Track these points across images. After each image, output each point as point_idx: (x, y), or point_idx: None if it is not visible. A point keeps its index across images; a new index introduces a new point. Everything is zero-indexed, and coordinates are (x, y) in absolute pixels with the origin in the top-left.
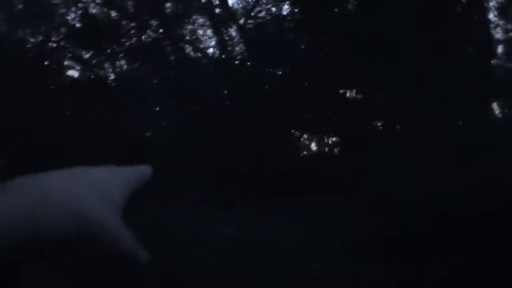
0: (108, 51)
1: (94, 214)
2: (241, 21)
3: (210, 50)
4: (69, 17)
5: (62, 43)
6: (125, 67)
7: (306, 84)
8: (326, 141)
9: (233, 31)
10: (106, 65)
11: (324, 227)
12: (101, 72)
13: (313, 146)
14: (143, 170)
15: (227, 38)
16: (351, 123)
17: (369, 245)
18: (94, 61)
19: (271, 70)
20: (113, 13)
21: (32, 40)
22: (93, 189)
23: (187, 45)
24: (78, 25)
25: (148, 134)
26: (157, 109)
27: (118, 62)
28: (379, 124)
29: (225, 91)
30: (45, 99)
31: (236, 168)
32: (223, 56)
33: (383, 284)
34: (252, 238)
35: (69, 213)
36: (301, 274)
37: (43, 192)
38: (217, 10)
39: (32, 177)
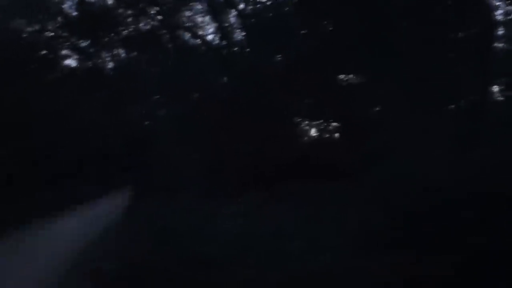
0: (105, 39)
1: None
2: (240, 7)
3: (209, 37)
4: (65, 6)
5: (59, 32)
6: (123, 55)
7: (306, 71)
8: (328, 129)
9: (232, 17)
10: (104, 54)
11: (329, 217)
12: (99, 61)
13: (315, 134)
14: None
15: (226, 25)
16: (353, 110)
17: (375, 234)
18: (91, 50)
19: (271, 57)
20: (110, 1)
21: (28, 29)
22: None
23: (185, 32)
24: (74, 13)
25: (148, 124)
26: (157, 98)
27: (115, 51)
28: (381, 110)
29: (225, 79)
30: (42, 89)
31: (238, 158)
32: (223, 43)
33: (390, 274)
34: (257, 231)
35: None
36: (308, 267)
37: None
38: None
39: None
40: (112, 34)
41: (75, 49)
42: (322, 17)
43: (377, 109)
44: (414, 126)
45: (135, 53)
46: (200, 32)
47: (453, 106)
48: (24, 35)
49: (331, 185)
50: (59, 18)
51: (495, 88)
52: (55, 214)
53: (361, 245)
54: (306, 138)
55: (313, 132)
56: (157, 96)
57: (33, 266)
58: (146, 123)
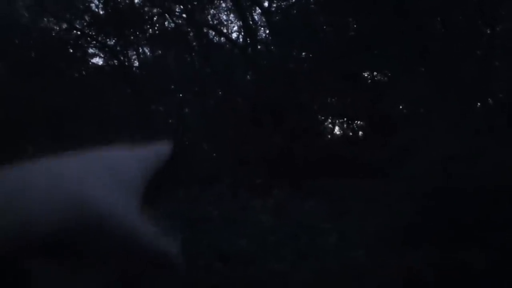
0: (132, 38)
1: (103, 203)
2: (265, 4)
3: (234, 35)
4: (92, 4)
5: (86, 30)
6: (149, 54)
7: (332, 68)
8: (355, 125)
9: (257, 15)
10: (130, 52)
11: (358, 212)
12: (125, 59)
13: (342, 131)
14: (163, 149)
15: (251, 22)
16: (380, 106)
17: (406, 229)
18: (118, 48)
19: (297, 54)
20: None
21: (56, 28)
22: (105, 174)
23: (210, 30)
24: (101, 12)
25: (174, 121)
26: (183, 95)
27: (141, 49)
28: (408, 105)
29: (251, 76)
30: (69, 87)
31: (264, 155)
32: (248, 40)
33: (422, 268)
34: (287, 226)
35: (74, 201)
36: (339, 262)
37: (41, 179)
38: None
39: (32, 162)
40: (138, 33)
41: (102, 47)
42: (348, 14)
43: (405, 105)
44: (443, 122)
45: (160, 52)
46: (225, 30)
47: (483, 101)
48: (52, 34)
49: (359, 181)
50: (86, 17)
51: None
52: None
53: (392, 240)
54: (332, 134)
55: (340, 128)
56: (184, 93)
57: None
58: (172, 119)
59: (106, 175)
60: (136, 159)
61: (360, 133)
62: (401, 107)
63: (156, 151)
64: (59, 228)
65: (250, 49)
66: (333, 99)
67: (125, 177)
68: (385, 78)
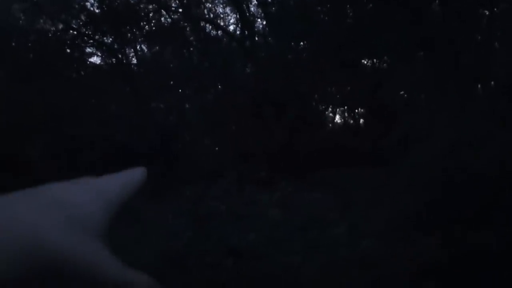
0: (129, 35)
1: (60, 246)
2: None
3: (231, 28)
4: (88, 3)
5: (82, 30)
6: (146, 50)
7: (332, 57)
8: (357, 115)
9: (253, 6)
10: (128, 50)
11: (366, 202)
12: (123, 57)
13: (346, 120)
14: (138, 173)
15: (248, 14)
16: (382, 94)
17: (417, 216)
18: (115, 47)
19: (295, 45)
20: None
21: (52, 28)
22: (61, 211)
23: (207, 24)
24: (97, 11)
25: (175, 117)
26: (183, 91)
27: (139, 46)
28: (410, 92)
29: (249, 69)
30: (67, 87)
31: (270, 147)
32: (246, 32)
33: (433, 255)
34: (295, 219)
35: (27, 247)
36: (349, 252)
37: None
38: None
39: None
40: (135, 30)
41: (99, 46)
42: (345, 2)
43: (406, 92)
44: (445, 108)
45: (157, 48)
46: (222, 23)
47: (486, 87)
48: (49, 34)
49: (363, 170)
50: (82, 16)
51: None
52: None
53: (402, 228)
54: (334, 124)
55: (342, 118)
56: (183, 89)
57: None
58: (173, 115)
59: (62, 213)
60: (96, 192)
61: (363, 122)
62: (402, 94)
63: (125, 179)
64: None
65: (248, 41)
66: (334, 89)
67: (83, 212)
68: (385, 66)
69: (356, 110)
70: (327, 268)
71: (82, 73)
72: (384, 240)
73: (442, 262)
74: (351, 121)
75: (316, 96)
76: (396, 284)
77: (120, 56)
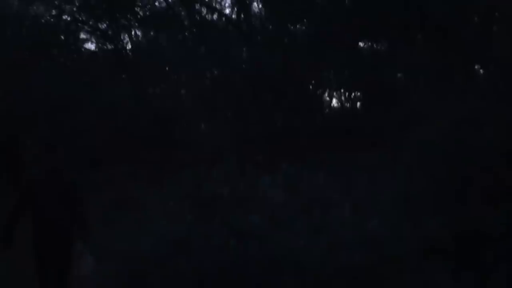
0: (124, 20)
1: None
2: None
3: (227, 11)
4: None
5: (77, 15)
6: (141, 36)
7: (329, 39)
8: (359, 94)
9: None
10: (123, 35)
11: (369, 184)
12: (118, 43)
13: (346, 101)
14: None
15: None
16: (381, 75)
17: (421, 196)
18: (110, 33)
19: (292, 27)
20: None
21: (46, 15)
22: None
23: (203, 7)
24: None
25: (173, 102)
26: (179, 76)
27: (134, 32)
28: (410, 73)
29: (246, 52)
30: (63, 73)
31: (266, 130)
32: (242, 15)
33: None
34: (299, 200)
35: None
36: (356, 233)
37: None
38: None
39: None
40: (129, 15)
41: (94, 32)
42: None
43: (405, 74)
44: (445, 87)
45: (153, 33)
46: (218, 6)
47: (483, 67)
48: (43, 20)
49: (366, 152)
50: (76, 1)
51: None
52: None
53: (406, 209)
54: (334, 106)
55: (342, 99)
56: (180, 74)
57: None
58: (171, 101)
59: None
60: None
61: (363, 102)
62: (402, 75)
63: None
64: None
65: (244, 24)
66: (333, 70)
67: None
68: (385, 47)
69: (356, 92)
70: (332, 250)
71: (77, 59)
72: (389, 221)
73: (447, 242)
74: (352, 102)
75: (314, 78)
76: (402, 264)
77: (115, 41)
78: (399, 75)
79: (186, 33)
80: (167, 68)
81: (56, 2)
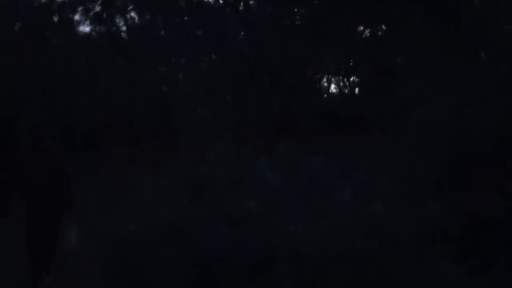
0: (119, 2)
1: None
2: None
3: None
4: None
5: None
6: (136, 18)
7: (329, 23)
8: (359, 78)
9: None
10: (118, 18)
11: (369, 168)
12: (113, 26)
13: (345, 84)
14: None
15: None
16: (379, 61)
17: (421, 182)
18: (105, 15)
19: (292, 9)
20: None
21: None
22: None
23: None
24: None
25: (171, 85)
26: (176, 59)
27: (129, 14)
28: (407, 59)
29: (244, 34)
30: (58, 56)
31: (266, 113)
32: None
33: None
34: (299, 184)
35: None
36: (358, 217)
37: None
38: None
39: None
40: None
41: (89, 14)
42: None
43: (404, 58)
44: (443, 72)
45: (149, 16)
46: None
47: (486, 48)
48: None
49: (365, 136)
50: None
51: None
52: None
53: (408, 192)
54: (332, 91)
55: (341, 83)
56: (177, 57)
57: None
58: (169, 84)
59: None
60: None
61: (362, 86)
62: (402, 58)
63: None
64: None
65: (242, 5)
66: (332, 54)
67: None
68: (385, 30)
69: (356, 75)
70: (332, 235)
71: (73, 42)
72: (390, 205)
73: (449, 228)
74: (351, 86)
75: (313, 61)
76: (404, 250)
77: (110, 24)
78: (398, 59)
79: (183, 16)
80: (164, 51)
81: None
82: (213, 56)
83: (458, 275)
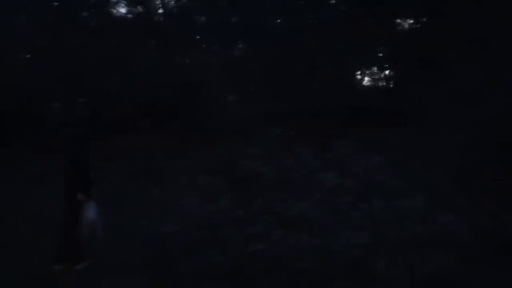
0: None
1: None
2: None
3: None
4: None
5: None
6: (173, 2)
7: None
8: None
9: None
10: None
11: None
12: (148, 9)
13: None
14: None
15: None
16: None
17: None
18: None
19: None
20: None
21: None
22: None
23: None
24: None
25: (201, 71)
26: (210, 44)
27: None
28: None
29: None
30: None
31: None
32: None
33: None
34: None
35: None
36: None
37: None
38: None
39: None
40: None
41: None
42: None
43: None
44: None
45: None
46: None
47: None
48: None
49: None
50: None
51: None
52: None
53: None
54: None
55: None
56: (210, 42)
57: None
58: (199, 69)
59: None
60: None
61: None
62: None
63: None
64: None
65: None
66: (371, 46)
67: None
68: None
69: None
70: (397, 247)
71: (106, 24)
72: (461, 214)
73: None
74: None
75: (353, 52)
76: (476, 264)
77: (145, 8)
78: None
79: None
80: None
81: None
82: (251, 43)
83: None
